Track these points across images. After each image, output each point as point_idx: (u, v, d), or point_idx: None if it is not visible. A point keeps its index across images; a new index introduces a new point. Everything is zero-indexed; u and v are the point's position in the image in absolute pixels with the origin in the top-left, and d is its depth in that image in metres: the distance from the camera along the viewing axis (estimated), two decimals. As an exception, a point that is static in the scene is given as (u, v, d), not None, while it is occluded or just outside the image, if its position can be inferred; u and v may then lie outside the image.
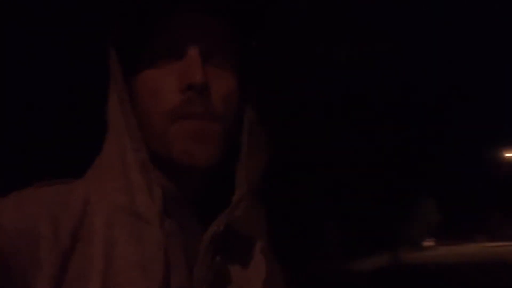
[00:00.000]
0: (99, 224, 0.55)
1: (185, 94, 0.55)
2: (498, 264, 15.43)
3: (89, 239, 0.54)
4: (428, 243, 39.12)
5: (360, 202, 10.96)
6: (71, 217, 0.54)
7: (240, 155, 0.61)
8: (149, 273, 0.53)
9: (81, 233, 0.54)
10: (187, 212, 0.59)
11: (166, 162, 0.57)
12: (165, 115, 0.56)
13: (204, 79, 0.54)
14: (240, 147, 0.61)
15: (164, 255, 0.54)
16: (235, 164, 0.61)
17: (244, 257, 0.64)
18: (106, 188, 0.58)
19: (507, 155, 34.16)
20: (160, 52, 0.57)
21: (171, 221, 0.57)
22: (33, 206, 0.53)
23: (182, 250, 0.56)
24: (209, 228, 0.57)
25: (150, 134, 0.58)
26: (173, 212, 0.57)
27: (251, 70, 0.63)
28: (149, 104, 0.57)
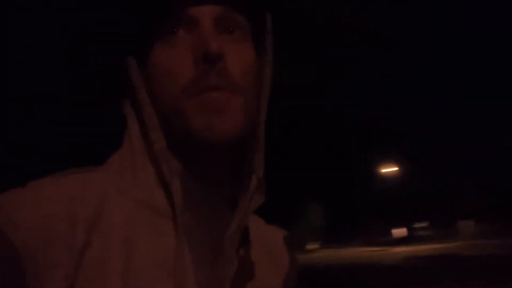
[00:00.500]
0: (118, 219, 0.52)
1: (200, 67, 0.52)
2: (370, 266, 16.62)
3: (106, 235, 0.51)
4: (313, 246, 40.47)
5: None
6: (88, 213, 0.51)
7: (257, 136, 0.57)
8: (171, 271, 0.51)
9: (98, 228, 0.51)
10: (208, 200, 0.56)
11: (186, 144, 0.54)
12: (181, 90, 0.53)
13: (218, 48, 0.51)
14: (255, 128, 0.57)
15: (185, 251, 0.52)
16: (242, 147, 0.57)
17: (267, 247, 0.64)
18: (125, 182, 0.55)
19: (383, 170, 37.92)
20: (172, 28, 0.54)
21: (192, 214, 0.54)
22: (49, 204, 0.50)
23: (204, 243, 0.54)
24: (233, 219, 0.55)
25: (168, 115, 0.54)
26: (194, 203, 0.55)
27: (266, 48, 0.60)
28: (165, 83, 0.54)
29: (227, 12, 0.56)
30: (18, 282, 0.47)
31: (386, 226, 37.57)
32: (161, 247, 0.53)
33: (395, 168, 37.44)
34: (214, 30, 0.54)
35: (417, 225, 39.73)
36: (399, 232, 36.10)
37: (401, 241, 33.59)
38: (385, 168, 37.59)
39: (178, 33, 0.55)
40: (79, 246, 0.50)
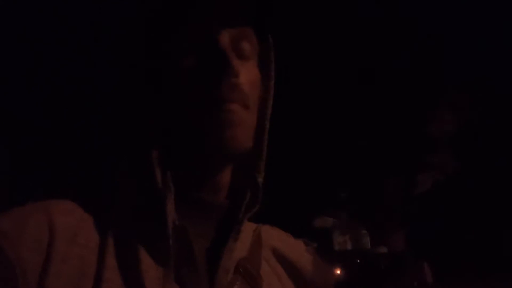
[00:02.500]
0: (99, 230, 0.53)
1: (215, 80, 0.54)
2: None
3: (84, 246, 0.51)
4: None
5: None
6: (62, 239, 0.50)
7: (261, 144, 0.60)
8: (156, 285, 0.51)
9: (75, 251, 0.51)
10: (205, 211, 0.57)
11: (193, 152, 0.56)
12: (194, 101, 0.54)
13: (238, 65, 0.54)
14: (258, 137, 0.59)
15: (171, 271, 0.51)
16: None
17: (288, 262, 0.66)
18: (115, 209, 0.56)
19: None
20: (188, 42, 0.55)
21: (183, 228, 0.53)
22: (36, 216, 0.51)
23: (201, 256, 0.55)
24: (230, 230, 0.56)
25: (181, 129, 0.55)
26: (188, 213, 0.55)
27: (268, 64, 0.63)
28: (180, 95, 0.55)
29: (243, 32, 0.58)
30: None
31: None
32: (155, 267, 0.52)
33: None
34: (231, 47, 0.56)
35: None
36: None
37: None
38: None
39: (195, 48, 0.56)
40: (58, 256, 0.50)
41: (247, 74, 0.57)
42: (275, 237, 0.68)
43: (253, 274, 0.58)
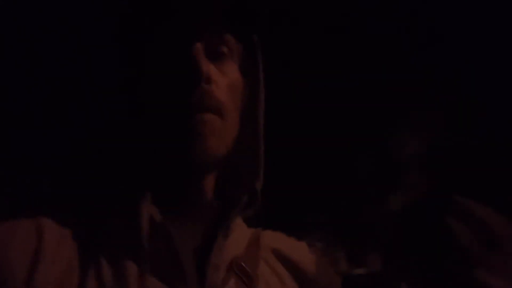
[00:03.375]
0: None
1: (188, 88, 0.53)
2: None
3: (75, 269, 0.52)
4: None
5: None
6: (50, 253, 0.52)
7: (257, 150, 0.60)
8: None
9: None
10: (194, 219, 0.57)
11: (173, 166, 0.55)
12: (175, 111, 0.54)
13: (207, 71, 0.54)
14: (252, 143, 0.60)
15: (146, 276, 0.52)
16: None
17: (290, 263, 0.65)
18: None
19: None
20: (162, 52, 0.56)
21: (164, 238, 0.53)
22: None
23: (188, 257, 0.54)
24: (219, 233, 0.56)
25: (158, 138, 0.55)
26: (168, 223, 0.54)
27: (255, 65, 0.62)
28: (155, 105, 0.55)
29: (219, 35, 0.58)
30: None
31: None
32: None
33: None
34: (204, 51, 0.56)
35: None
36: None
37: None
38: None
39: (169, 57, 0.56)
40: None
41: (223, 79, 0.57)
42: (276, 239, 0.68)
43: (248, 272, 0.58)
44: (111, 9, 0.62)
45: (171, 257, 0.53)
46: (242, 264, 0.58)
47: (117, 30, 0.59)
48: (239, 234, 0.61)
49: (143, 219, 0.53)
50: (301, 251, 0.69)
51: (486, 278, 0.49)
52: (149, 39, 0.56)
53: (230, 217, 0.58)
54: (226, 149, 0.57)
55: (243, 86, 0.61)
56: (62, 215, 0.55)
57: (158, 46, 0.56)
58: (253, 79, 0.62)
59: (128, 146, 0.57)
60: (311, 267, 0.67)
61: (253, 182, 0.60)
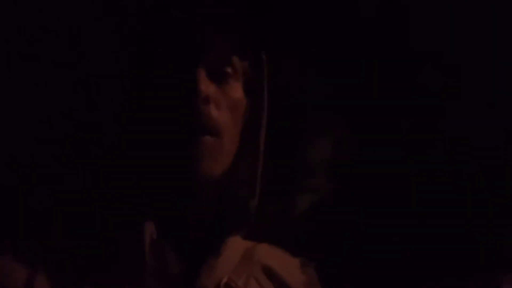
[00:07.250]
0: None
1: (188, 108, 0.53)
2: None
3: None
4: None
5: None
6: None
7: (255, 168, 0.60)
8: None
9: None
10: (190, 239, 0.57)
11: (170, 185, 0.56)
12: (172, 132, 0.54)
13: (206, 92, 0.54)
14: (251, 160, 0.60)
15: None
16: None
17: (281, 281, 0.65)
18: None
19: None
20: (165, 70, 0.56)
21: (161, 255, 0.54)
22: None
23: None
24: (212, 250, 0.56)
25: (156, 157, 0.56)
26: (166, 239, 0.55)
27: (260, 82, 0.62)
28: (155, 124, 0.55)
29: (224, 54, 0.57)
30: None
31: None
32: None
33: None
34: (207, 71, 0.56)
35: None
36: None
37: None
38: None
39: (169, 77, 0.56)
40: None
41: (224, 99, 0.57)
42: (270, 255, 0.68)
43: None
44: (112, 25, 0.63)
45: (163, 276, 0.54)
46: (232, 284, 0.58)
47: (122, 48, 0.59)
48: (232, 251, 0.61)
49: (147, 234, 0.54)
50: (293, 270, 0.69)
51: None
52: (153, 57, 0.57)
53: (221, 238, 0.58)
54: (221, 170, 0.57)
55: (246, 104, 0.61)
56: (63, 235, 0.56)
57: (162, 65, 0.56)
58: (257, 96, 0.62)
59: (128, 165, 0.58)
60: (301, 287, 0.67)
61: (247, 200, 0.60)
